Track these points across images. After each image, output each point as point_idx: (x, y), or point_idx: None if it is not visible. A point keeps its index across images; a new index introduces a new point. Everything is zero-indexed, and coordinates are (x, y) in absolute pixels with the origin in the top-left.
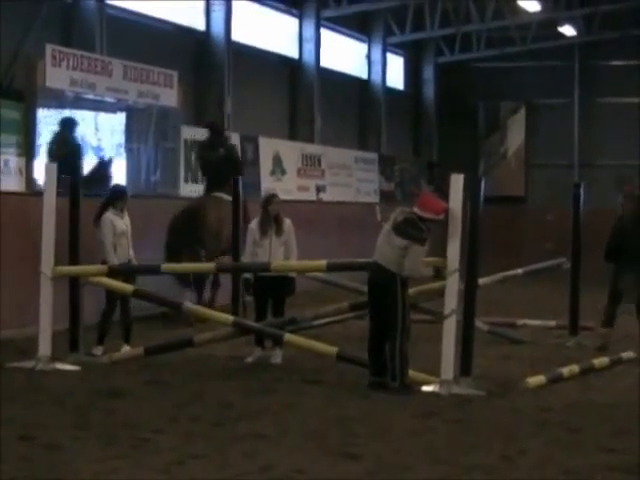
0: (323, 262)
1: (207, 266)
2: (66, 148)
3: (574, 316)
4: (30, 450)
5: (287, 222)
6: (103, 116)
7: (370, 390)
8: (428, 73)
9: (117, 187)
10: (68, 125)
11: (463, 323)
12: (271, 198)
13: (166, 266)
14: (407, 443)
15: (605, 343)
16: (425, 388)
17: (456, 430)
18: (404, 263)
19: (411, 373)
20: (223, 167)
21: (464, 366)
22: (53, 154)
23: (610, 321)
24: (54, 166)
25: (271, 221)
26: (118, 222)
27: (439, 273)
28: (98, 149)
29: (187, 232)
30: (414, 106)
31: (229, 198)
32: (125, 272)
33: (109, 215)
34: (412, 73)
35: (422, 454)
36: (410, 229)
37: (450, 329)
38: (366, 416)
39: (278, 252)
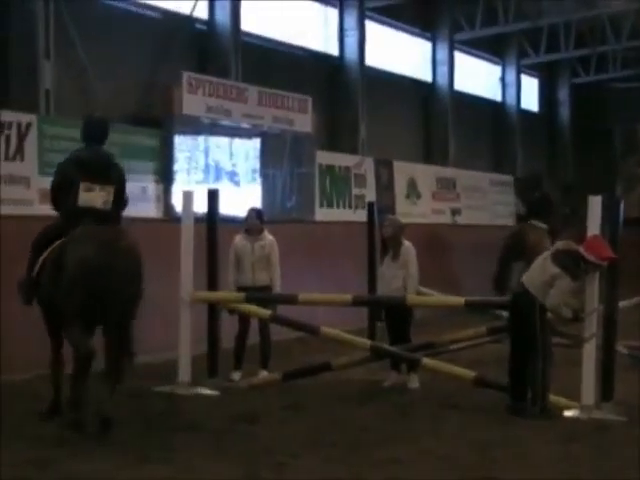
0: (461, 300)
1: (342, 298)
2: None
3: None
4: (168, 474)
5: (405, 245)
6: (238, 142)
7: (509, 414)
8: (563, 94)
9: (251, 209)
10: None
11: (603, 347)
12: (383, 222)
13: (303, 296)
14: (547, 469)
15: None
16: (566, 413)
17: (597, 456)
18: (549, 293)
19: (551, 398)
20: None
21: (605, 391)
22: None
23: None
24: (191, 192)
25: (386, 246)
26: (244, 245)
27: (577, 315)
28: (232, 174)
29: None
30: (549, 128)
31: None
32: (261, 301)
33: (237, 238)
34: (547, 94)
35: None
36: (568, 260)
37: (590, 353)
38: (505, 441)
39: (395, 278)
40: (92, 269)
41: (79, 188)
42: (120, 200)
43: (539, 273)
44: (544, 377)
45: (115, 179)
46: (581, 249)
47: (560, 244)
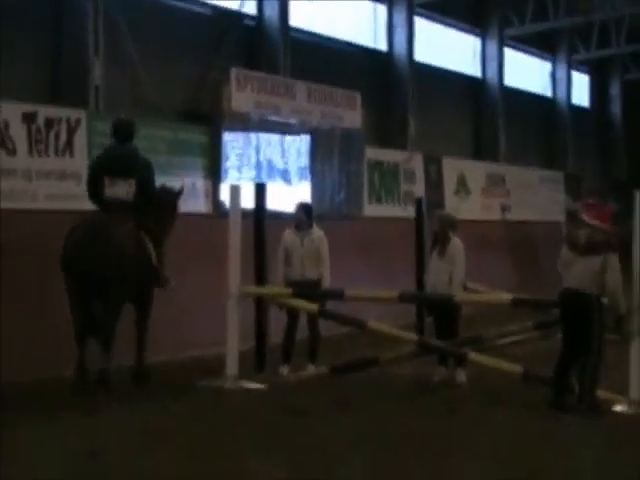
0: (508, 297)
1: (389, 294)
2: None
3: None
4: (217, 467)
5: (454, 242)
6: (289, 139)
7: (555, 410)
8: (614, 90)
9: (299, 204)
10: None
11: None
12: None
13: (350, 292)
14: (593, 464)
15: None
16: (613, 408)
17: None
18: (605, 280)
19: (599, 393)
20: None
21: None
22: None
23: None
24: (238, 186)
25: (437, 242)
26: (293, 239)
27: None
28: (284, 172)
29: None
30: (600, 124)
31: None
32: (307, 296)
33: (286, 233)
34: (598, 90)
35: (608, 474)
36: (598, 242)
37: (638, 348)
38: (552, 436)
39: (441, 272)
40: (72, 247)
41: (105, 182)
42: (145, 190)
43: (584, 272)
44: (595, 373)
45: (137, 172)
46: (587, 219)
47: (576, 238)
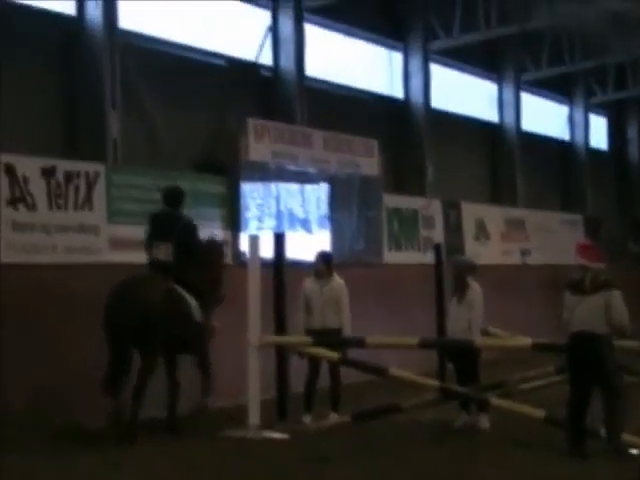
0: (528, 341)
1: (409, 341)
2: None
3: None
4: None
5: (473, 287)
6: (309, 188)
7: (571, 456)
8: (632, 132)
9: (319, 253)
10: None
11: None
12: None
13: (371, 339)
14: None
15: None
16: (633, 451)
17: None
18: (610, 317)
19: (625, 436)
20: None
21: None
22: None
23: None
24: (257, 236)
25: (456, 288)
26: (313, 288)
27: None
28: (305, 221)
29: None
30: (618, 166)
31: None
32: (327, 344)
33: (306, 281)
34: (615, 133)
35: None
36: (602, 281)
37: None
38: None
39: (460, 318)
40: (108, 300)
41: (151, 245)
42: (184, 250)
43: (589, 313)
44: (623, 415)
45: (175, 235)
46: (585, 263)
47: (583, 280)
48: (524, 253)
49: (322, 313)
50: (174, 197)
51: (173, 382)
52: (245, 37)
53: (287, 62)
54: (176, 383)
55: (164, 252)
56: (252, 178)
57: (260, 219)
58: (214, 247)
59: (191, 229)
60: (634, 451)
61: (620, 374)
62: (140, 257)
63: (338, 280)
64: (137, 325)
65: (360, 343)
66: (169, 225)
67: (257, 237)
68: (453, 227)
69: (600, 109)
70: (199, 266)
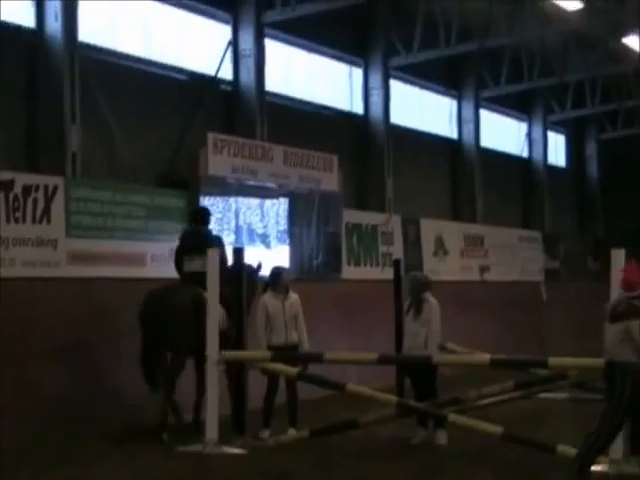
0: (487, 357)
1: (368, 357)
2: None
3: None
4: None
5: (431, 303)
6: (268, 203)
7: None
8: (591, 150)
9: (274, 269)
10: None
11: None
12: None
13: (329, 355)
14: None
15: None
16: (594, 467)
17: None
18: (632, 346)
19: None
20: None
21: (634, 444)
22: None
23: None
24: (215, 253)
25: (411, 304)
26: (275, 304)
27: None
28: (264, 236)
29: None
30: (577, 183)
31: None
32: (287, 359)
33: (265, 297)
34: (574, 150)
35: None
36: (623, 309)
37: None
38: None
39: (416, 334)
40: (143, 306)
41: (184, 259)
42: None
43: (612, 342)
44: (601, 444)
45: (209, 247)
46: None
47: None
48: (483, 269)
49: (285, 329)
50: (202, 216)
51: (201, 382)
52: (206, 52)
53: (247, 77)
54: (203, 384)
55: (198, 264)
56: (211, 192)
57: (219, 234)
58: (248, 271)
59: (221, 243)
60: (596, 467)
61: (621, 409)
62: (98, 271)
63: (294, 295)
64: (169, 327)
65: (319, 358)
66: (200, 240)
67: (215, 253)
68: (412, 243)
69: (559, 126)
70: (232, 281)
